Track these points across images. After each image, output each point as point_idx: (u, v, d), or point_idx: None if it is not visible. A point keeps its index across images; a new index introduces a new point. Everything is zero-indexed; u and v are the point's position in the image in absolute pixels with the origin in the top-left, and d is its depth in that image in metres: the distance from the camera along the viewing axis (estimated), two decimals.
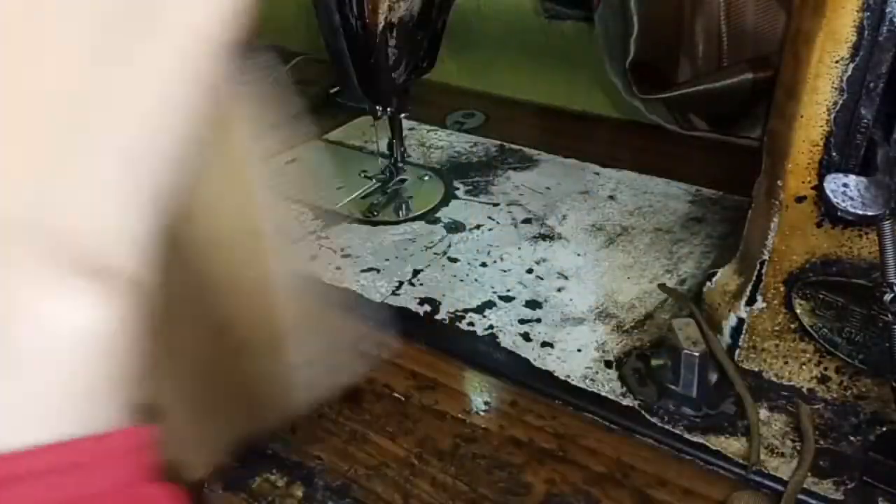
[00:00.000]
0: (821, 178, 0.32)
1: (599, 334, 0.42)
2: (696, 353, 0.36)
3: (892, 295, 0.31)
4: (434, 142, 0.66)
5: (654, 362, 0.39)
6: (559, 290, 0.46)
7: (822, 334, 0.35)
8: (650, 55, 0.60)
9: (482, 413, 0.38)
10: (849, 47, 0.29)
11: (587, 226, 0.53)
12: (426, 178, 0.60)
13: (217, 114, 0.19)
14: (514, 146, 0.64)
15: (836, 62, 0.30)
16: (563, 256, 0.50)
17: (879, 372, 0.34)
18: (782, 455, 0.34)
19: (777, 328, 0.36)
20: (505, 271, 0.48)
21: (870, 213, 0.30)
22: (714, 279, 0.40)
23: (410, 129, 0.68)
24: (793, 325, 0.36)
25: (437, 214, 0.55)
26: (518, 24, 0.73)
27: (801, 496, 0.32)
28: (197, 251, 0.24)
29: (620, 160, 0.61)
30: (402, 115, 0.56)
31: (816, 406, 0.36)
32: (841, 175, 0.31)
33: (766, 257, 0.35)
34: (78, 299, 0.15)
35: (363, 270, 0.49)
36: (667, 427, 0.36)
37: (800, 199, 0.33)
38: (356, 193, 0.58)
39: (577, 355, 0.41)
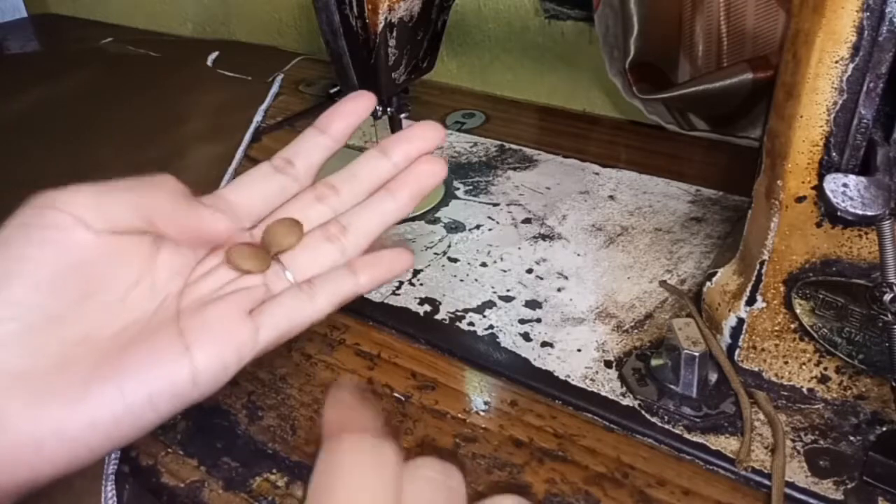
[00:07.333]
0: (821, 178, 0.32)
1: (599, 334, 0.42)
2: (696, 353, 0.36)
3: (892, 295, 0.31)
4: None
5: (653, 362, 0.39)
6: (559, 290, 0.46)
7: (822, 334, 0.35)
8: (650, 55, 0.60)
9: (482, 413, 0.38)
10: (848, 47, 0.29)
11: (587, 226, 0.53)
12: None
13: None
14: (514, 146, 0.65)
15: (836, 62, 0.30)
16: (563, 256, 0.50)
17: (879, 372, 0.34)
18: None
19: (777, 328, 0.36)
20: (505, 271, 0.49)
21: (870, 213, 0.30)
22: (714, 279, 0.40)
23: None
24: (793, 325, 0.36)
25: (437, 214, 0.55)
26: (518, 24, 0.73)
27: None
28: None
29: (620, 160, 0.62)
30: (402, 115, 0.56)
31: (816, 406, 0.36)
32: (841, 175, 0.31)
33: (765, 257, 0.35)
34: None
35: None
36: (667, 427, 0.36)
37: (800, 200, 0.33)
38: None
39: (577, 355, 0.41)
